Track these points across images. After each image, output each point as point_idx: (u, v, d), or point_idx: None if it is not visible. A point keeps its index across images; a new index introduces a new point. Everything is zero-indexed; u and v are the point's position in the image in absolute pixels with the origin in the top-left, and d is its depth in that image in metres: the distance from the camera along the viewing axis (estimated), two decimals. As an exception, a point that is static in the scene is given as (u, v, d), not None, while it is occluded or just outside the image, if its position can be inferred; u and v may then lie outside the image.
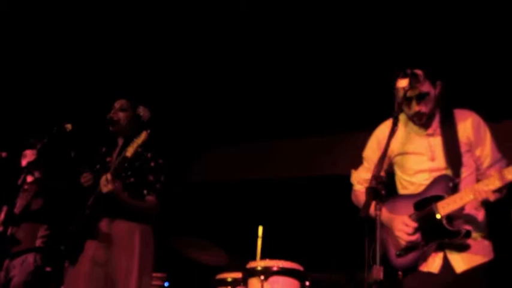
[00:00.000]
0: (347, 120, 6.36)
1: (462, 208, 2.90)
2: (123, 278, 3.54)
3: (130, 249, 3.60)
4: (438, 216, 2.88)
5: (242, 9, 5.21)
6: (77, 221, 3.64)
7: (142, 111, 3.86)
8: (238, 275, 4.27)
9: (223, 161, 7.30)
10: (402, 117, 3.19)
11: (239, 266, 4.27)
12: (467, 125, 3.06)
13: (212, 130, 7.01)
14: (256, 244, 4.50)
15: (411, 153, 3.15)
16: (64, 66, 6.02)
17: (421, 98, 3.03)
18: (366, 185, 3.10)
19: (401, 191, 3.21)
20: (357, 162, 3.44)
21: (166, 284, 5.22)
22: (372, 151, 3.29)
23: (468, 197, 2.82)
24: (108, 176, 3.45)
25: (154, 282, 4.79)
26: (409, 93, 3.00)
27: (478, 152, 3.05)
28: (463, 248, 2.92)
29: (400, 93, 2.95)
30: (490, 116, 3.23)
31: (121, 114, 3.85)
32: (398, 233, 2.97)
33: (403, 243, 2.97)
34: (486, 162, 3.03)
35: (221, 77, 6.20)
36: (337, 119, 6.43)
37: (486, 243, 3.01)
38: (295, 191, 6.72)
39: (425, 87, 3.04)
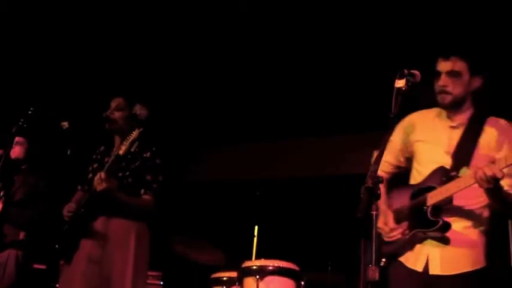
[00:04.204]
0: (346, 122, 6.35)
1: (450, 201, 2.81)
2: (118, 276, 3.53)
3: (125, 248, 3.59)
4: (425, 206, 2.82)
5: (242, 9, 5.21)
6: (72, 220, 3.62)
7: (139, 109, 3.78)
8: (233, 274, 4.27)
9: (221, 161, 7.30)
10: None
11: (235, 265, 4.27)
12: (493, 130, 2.91)
13: (212, 130, 7.01)
14: (252, 243, 4.51)
15: (430, 142, 3.03)
16: (63, 64, 6.02)
17: (450, 74, 2.90)
18: (390, 170, 3.16)
19: (411, 181, 3.11)
20: (356, 163, 3.44)
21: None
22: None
23: (453, 188, 2.76)
24: (102, 174, 3.44)
25: (150, 281, 4.78)
26: (440, 67, 2.90)
27: (498, 155, 2.82)
28: (447, 250, 2.83)
29: (397, 94, 2.88)
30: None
31: (117, 114, 3.81)
32: (380, 229, 2.94)
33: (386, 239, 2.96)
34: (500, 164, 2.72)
35: (221, 77, 6.20)
36: (336, 120, 6.42)
37: (478, 250, 2.87)
38: (291, 192, 6.72)
39: (459, 66, 2.90)
